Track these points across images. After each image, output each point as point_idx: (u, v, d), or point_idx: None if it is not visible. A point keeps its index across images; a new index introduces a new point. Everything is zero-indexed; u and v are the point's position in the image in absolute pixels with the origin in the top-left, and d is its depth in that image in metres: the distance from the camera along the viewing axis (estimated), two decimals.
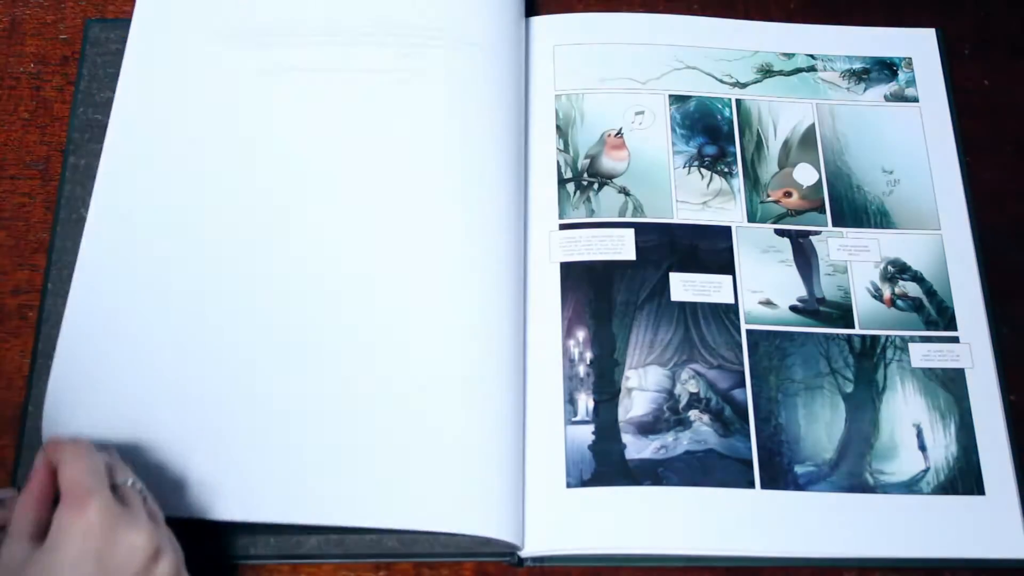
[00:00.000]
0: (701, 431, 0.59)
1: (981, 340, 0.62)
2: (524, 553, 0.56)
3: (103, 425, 0.56)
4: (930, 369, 0.61)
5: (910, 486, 0.58)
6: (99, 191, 0.62)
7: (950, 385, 0.61)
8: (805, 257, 0.64)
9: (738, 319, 0.62)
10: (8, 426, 0.59)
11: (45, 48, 0.69)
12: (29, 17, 0.70)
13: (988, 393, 0.61)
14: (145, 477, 0.54)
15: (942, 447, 0.59)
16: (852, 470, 0.59)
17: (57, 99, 0.68)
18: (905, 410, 0.60)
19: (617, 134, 0.67)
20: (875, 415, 0.60)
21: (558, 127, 0.67)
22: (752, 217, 0.65)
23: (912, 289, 0.64)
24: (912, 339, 0.62)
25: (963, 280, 0.64)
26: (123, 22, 0.68)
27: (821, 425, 0.60)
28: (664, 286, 0.62)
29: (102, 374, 0.58)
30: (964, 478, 0.59)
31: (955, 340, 0.62)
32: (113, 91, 0.66)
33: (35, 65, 0.69)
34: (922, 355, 0.62)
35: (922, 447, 0.59)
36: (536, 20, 0.70)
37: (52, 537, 0.45)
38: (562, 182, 0.65)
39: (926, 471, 0.59)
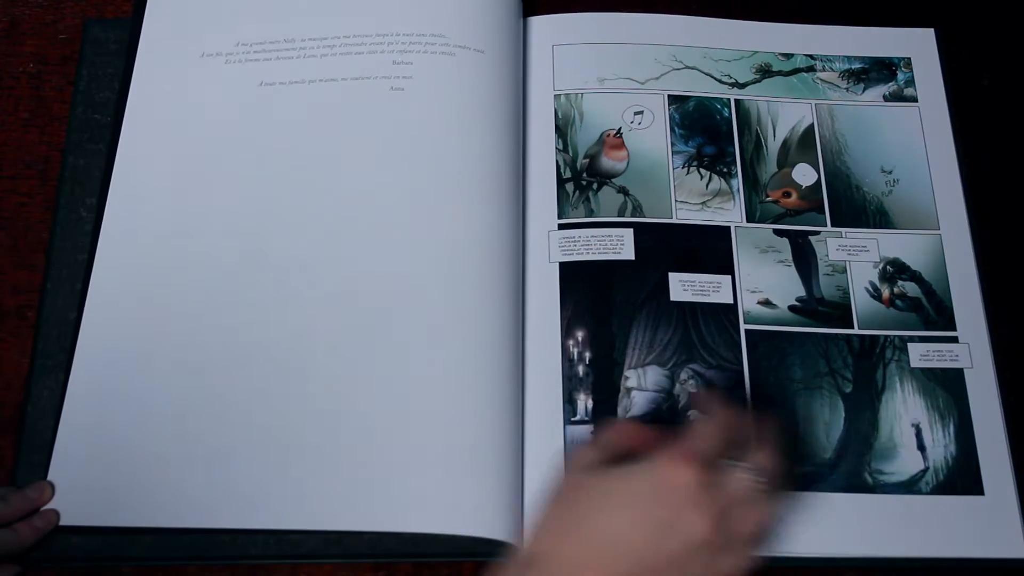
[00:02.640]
0: None
1: (980, 340, 0.62)
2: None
3: (109, 433, 0.56)
4: (929, 369, 0.61)
5: (909, 486, 0.58)
6: (110, 209, 0.62)
7: (949, 385, 0.61)
8: (804, 257, 0.64)
9: (737, 319, 0.62)
10: (7, 426, 0.59)
11: (44, 48, 0.69)
12: (28, 17, 0.70)
13: (987, 393, 0.61)
14: (141, 488, 0.55)
15: (941, 447, 0.59)
16: (851, 470, 0.59)
17: (56, 99, 0.68)
18: (904, 410, 0.60)
19: (616, 134, 0.67)
20: (874, 415, 0.60)
21: (557, 127, 0.67)
22: (751, 217, 0.65)
23: (911, 289, 0.64)
24: (911, 339, 0.62)
25: (962, 280, 0.64)
26: (122, 22, 0.69)
27: (820, 425, 0.60)
28: (663, 286, 0.62)
29: (110, 387, 0.58)
30: (963, 478, 0.59)
31: (954, 340, 0.62)
32: (113, 91, 0.66)
33: (35, 65, 0.69)
34: (921, 355, 0.62)
35: (921, 447, 0.59)
36: (535, 20, 0.70)
37: (640, 466, 0.46)
38: (561, 182, 0.65)
39: (925, 471, 0.59)
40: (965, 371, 0.61)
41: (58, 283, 0.62)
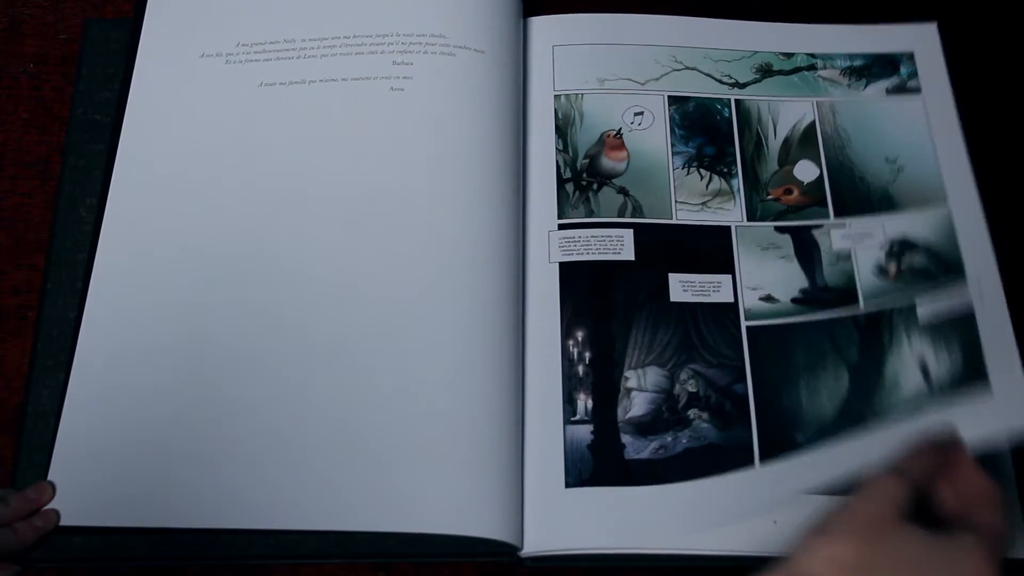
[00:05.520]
0: (700, 428, 0.59)
1: (989, 275, 0.62)
2: (524, 553, 0.56)
3: (109, 433, 0.56)
4: (939, 323, 0.61)
5: (913, 407, 0.59)
6: (110, 209, 0.62)
7: (958, 325, 0.61)
8: (807, 251, 0.64)
9: (738, 317, 0.62)
10: (7, 426, 0.59)
11: (45, 48, 0.69)
12: (29, 17, 0.70)
13: (998, 322, 0.61)
14: (140, 488, 0.55)
15: (947, 366, 0.60)
16: (852, 419, 0.59)
17: (57, 99, 0.68)
18: (910, 356, 0.60)
19: (616, 134, 0.67)
20: (879, 372, 0.60)
21: (557, 127, 0.67)
22: (752, 216, 0.65)
23: (919, 261, 0.63)
24: (920, 301, 0.62)
25: (973, 240, 0.63)
26: (122, 22, 0.69)
27: (824, 394, 0.60)
28: (663, 287, 0.62)
29: (110, 387, 0.58)
30: (968, 377, 0.59)
31: (962, 283, 0.62)
32: (113, 91, 0.66)
33: (35, 65, 0.69)
34: (930, 308, 0.62)
35: (925, 372, 0.60)
36: (535, 20, 0.70)
37: (953, 543, 0.43)
38: (561, 182, 0.65)
39: (930, 388, 0.59)
40: (974, 303, 0.61)
41: (58, 283, 0.62)
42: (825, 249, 0.64)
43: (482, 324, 0.58)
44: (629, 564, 0.57)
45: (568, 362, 0.60)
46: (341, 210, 0.61)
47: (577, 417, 0.59)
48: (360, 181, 0.62)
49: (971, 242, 0.64)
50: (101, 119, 0.66)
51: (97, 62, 0.68)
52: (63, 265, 0.62)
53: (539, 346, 0.61)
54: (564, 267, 0.63)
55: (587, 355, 0.61)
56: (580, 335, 0.61)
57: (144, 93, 0.66)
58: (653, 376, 0.60)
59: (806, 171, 0.66)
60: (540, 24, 0.70)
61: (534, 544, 0.56)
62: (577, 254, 0.63)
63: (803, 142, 0.67)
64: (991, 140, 0.68)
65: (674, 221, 0.64)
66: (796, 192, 0.66)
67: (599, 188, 0.65)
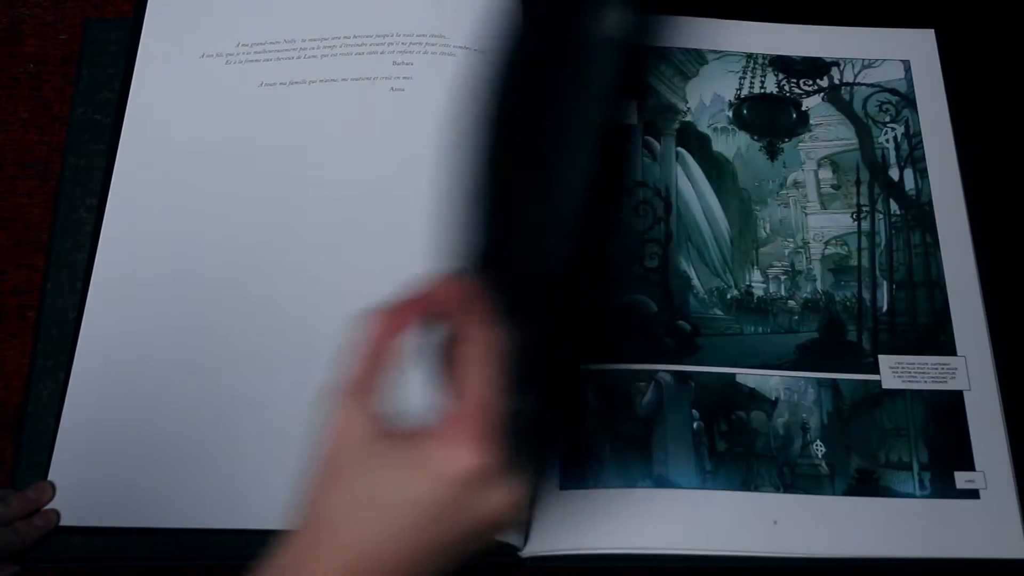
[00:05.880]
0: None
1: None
2: (524, 553, 0.56)
3: (109, 433, 0.56)
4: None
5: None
6: (110, 209, 0.62)
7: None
8: None
9: None
10: (7, 426, 0.59)
11: (45, 48, 0.69)
12: (29, 17, 0.70)
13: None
14: (141, 488, 0.55)
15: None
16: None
17: (57, 99, 0.68)
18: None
19: None
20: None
21: None
22: None
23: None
24: None
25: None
26: (122, 22, 0.69)
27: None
28: None
29: (110, 387, 0.58)
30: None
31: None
32: (113, 92, 0.66)
33: (35, 65, 0.69)
34: None
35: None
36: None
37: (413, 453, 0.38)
38: None
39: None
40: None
41: (58, 283, 0.62)
42: None
43: None
44: (629, 564, 0.57)
45: None
46: (341, 210, 0.61)
47: None
48: (360, 181, 0.62)
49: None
50: (101, 119, 0.66)
51: (97, 62, 0.68)
52: (63, 265, 0.62)
53: None
54: None
55: None
56: None
57: (144, 93, 0.66)
58: None
59: None
60: None
61: (534, 544, 0.56)
62: None
63: None
64: (984, 156, 0.67)
65: None
66: None
67: None
